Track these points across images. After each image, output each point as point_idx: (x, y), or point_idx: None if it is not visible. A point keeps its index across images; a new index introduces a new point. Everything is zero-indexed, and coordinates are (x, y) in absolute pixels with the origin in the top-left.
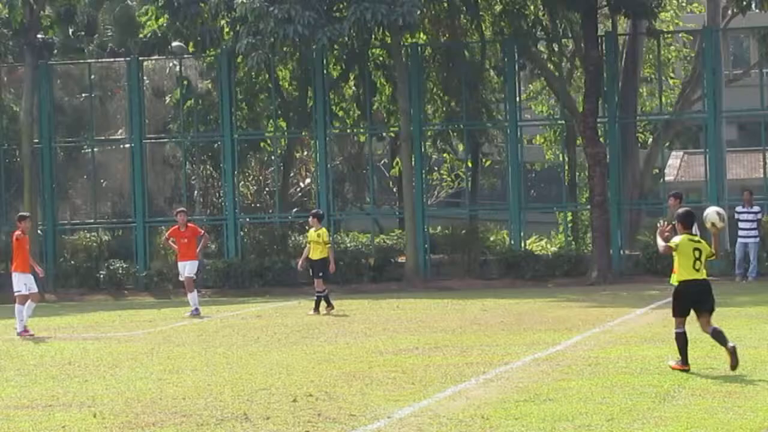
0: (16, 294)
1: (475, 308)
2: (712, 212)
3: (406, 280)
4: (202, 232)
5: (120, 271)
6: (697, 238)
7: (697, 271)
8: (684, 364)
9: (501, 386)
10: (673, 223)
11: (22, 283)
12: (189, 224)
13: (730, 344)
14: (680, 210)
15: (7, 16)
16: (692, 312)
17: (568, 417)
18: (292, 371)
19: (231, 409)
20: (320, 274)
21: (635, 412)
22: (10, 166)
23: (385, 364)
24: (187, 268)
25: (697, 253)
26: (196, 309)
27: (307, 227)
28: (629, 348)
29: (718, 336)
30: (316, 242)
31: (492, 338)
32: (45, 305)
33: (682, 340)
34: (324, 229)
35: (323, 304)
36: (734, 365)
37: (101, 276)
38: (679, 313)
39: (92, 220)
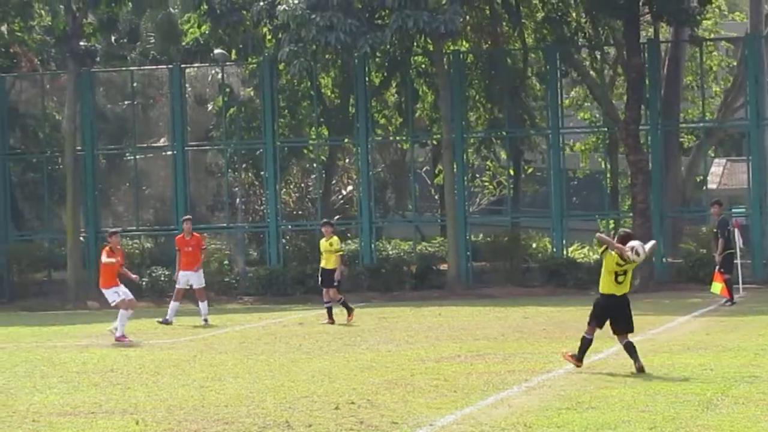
0: (113, 304)
1: (517, 316)
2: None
3: (448, 287)
4: (205, 245)
5: (162, 279)
6: (623, 262)
7: (619, 284)
8: (578, 360)
9: (543, 394)
10: (715, 230)
11: (113, 292)
12: (194, 234)
13: (638, 363)
14: (621, 231)
15: (50, 23)
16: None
17: (610, 425)
18: (334, 379)
19: (273, 416)
20: (335, 283)
21: (678, 421)
22: (53, 173)
23: (427, 371)
24: (195, 280)
25: (620, 270)
26: (206, 319)
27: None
28: (672, 356)
29: (630, 349)
30: (328, 251)
31: (534, 346)
32: (87, 313)
33: (586, 343)
34: (335, 238)
35: (324, 312)
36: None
37: (143, 283)
38: (595, 322)
39: (134, 228)
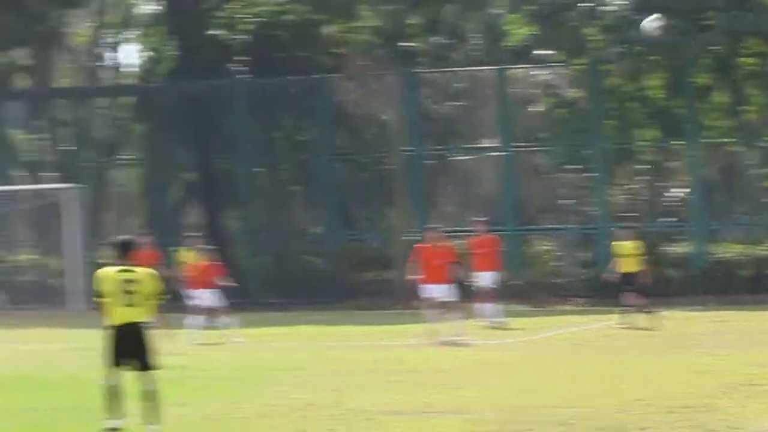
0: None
1: None
2: None
3: None
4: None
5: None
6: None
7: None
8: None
9: None
10: None
11: (429, 289)
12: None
13: None
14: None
15: (375, 24)
16: None
17: None
18: (667, 382)
19: (605, 419)
20: (630, 286)
21: None
22: (381, 173)
23: (766, 376)
24: (487, 279)
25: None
26: (501, 320)
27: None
28: None
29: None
30: (630, 255)
31: None
32: (414, 312)
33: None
34: (639, 242)
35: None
36: None
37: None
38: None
39: (462, 228)
